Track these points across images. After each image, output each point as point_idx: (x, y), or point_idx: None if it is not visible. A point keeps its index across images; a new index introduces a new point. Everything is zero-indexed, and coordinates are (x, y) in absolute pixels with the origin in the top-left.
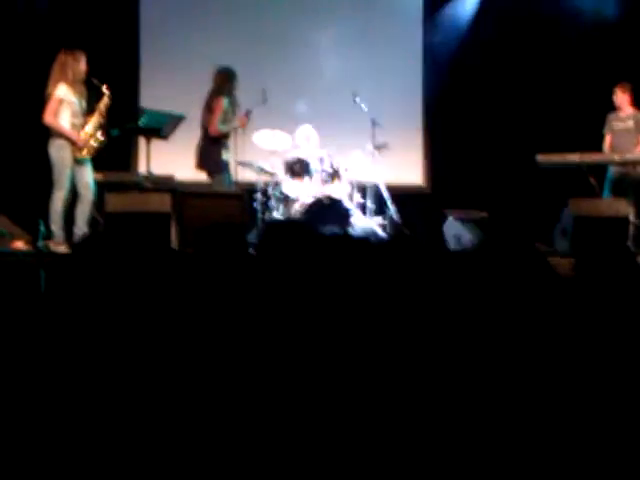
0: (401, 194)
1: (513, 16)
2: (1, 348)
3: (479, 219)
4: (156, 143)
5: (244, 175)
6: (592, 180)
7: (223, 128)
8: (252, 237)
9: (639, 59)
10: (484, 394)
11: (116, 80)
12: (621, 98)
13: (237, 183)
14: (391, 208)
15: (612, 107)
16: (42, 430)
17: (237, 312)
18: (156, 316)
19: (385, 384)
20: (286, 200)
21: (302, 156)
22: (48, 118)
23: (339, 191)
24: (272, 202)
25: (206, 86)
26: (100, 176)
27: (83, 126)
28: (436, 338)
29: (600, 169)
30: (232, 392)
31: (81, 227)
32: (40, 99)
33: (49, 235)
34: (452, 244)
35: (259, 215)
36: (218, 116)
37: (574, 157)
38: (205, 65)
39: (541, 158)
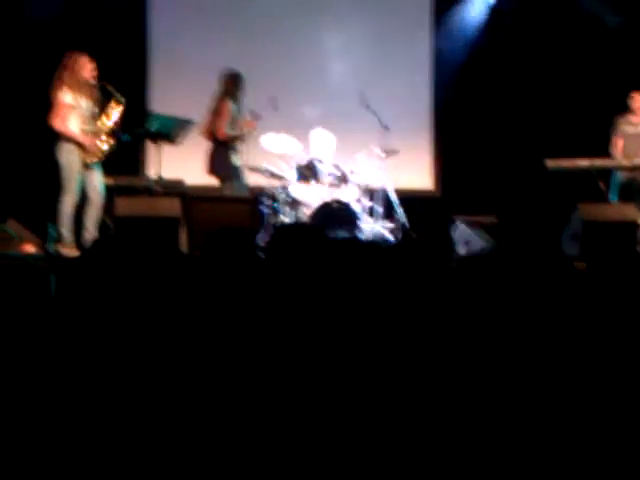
0: (410, 198)
1: (522, 20)
2: (12, 351)
3: (488, 224)
4: (166, 147)
5: (253, 179)
6: (601, 185)
7: (231, 132)
8: (261, 241)
9: None
10: (494, 396)
11: (126, 85)
12: (639, 103)
13: (247, 188)
14: (399, 212)
15: (620, 110)
16: (53, 432)
17: (246, 315)
18: (166, 320)
19: (394, 386)
20: (295, 204)
21: (314, 159)
22: (58, 125)
23: (347, 195)
24: (281, 206)
25: (215, 90)
26: (110, 180)
27: (94, 131)
28: (445, 342)
29: (607, 173)
30: (243, 394)
31: (91, 231)
32: (48, 103)
33: (59, 239)
34: (461, 249)
35: (268, 219)
36: (224, 120)
37: (583, 162)
38: (214, 69)
39: (550, 163)
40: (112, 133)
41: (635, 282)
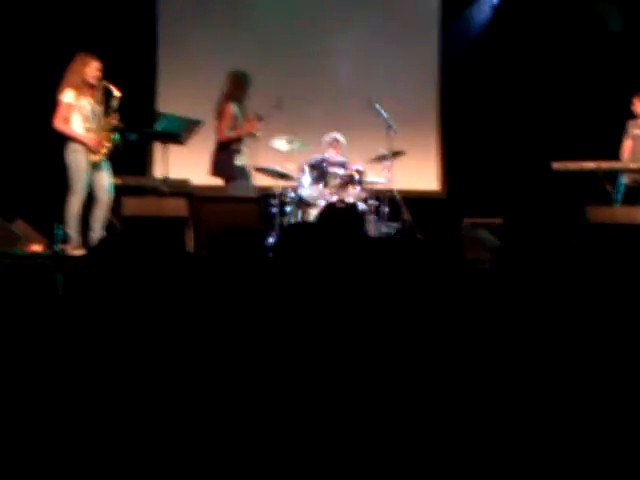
0: (416, 199)
1: (530, 23)
2: (19, 351)
3: (494, 226)
4: (173, 148)
5: (261, 180)
6: (608, 187)
7: (230, 134)
8: (269, 242)
9: None
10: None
11: (134, 85)
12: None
13: (255, 188)
14: (406, 213)
15: (627, 113)
16: (58, 431)
17: (253, 315)
18: (172, 319)
19: (402, 386)
20: (302, 204)
21: (322, 160)
22: (57, 124)
23: (354, 196)
24: (289, 207)
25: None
26: (117, 180)
27: (97, 129)
28: (450, 342)
29: (614, 175)
30: (251, 393)
31: (97, 231)
32: (55, 104)
33: (65, 239)
34: (472, 249)
35: (276, 220)
36: (226, 122)
37: (590, 164)
38: (223, 70)
39: (556, 165)
40: (115, 129)
41: None
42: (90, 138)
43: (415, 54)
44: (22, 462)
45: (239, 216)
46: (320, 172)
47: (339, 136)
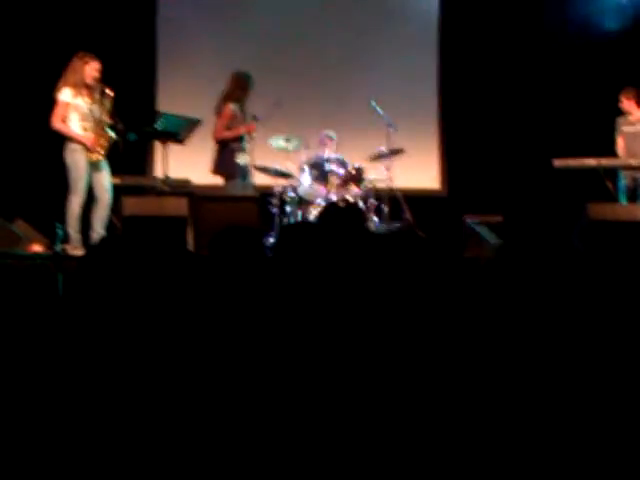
0: (417, 198)
1: (530, 22)
2: (20, 351)
3: (495, 224)
4: (173, 147)
5: (261, 179)
6: (609, 184)
7: (226, 134)
8: (269, 241)
9: None
10: (495, 396)
11: (134, 84)
12: (627, 104)
13: (254, 187)
14: (406, 211)
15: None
16: (59, 431)
17: (253, 314)
18: (173, 319)
19: (404, 383)
20: (303, 203)
21: (322, 159)
22: (55, 123)
23: (354, 194)
24: (288, 206)
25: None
26: (117, 180)
27: (94, 128)
28: (450, 340)
29: (614, 173)
30: (250, 392)
31: (98, 231)
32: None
33: (66, 239)
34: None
35: (276, 219)
36: (223, 122)
37: (591, 161)
38: (222, 70)
39: (557, 162)
40: (111, 128)
41: None
42: (88, 137)
43: (415, 52)
44: (22, 462)
45: (239, 215)
46: (320, 171)
47: (331, 132)
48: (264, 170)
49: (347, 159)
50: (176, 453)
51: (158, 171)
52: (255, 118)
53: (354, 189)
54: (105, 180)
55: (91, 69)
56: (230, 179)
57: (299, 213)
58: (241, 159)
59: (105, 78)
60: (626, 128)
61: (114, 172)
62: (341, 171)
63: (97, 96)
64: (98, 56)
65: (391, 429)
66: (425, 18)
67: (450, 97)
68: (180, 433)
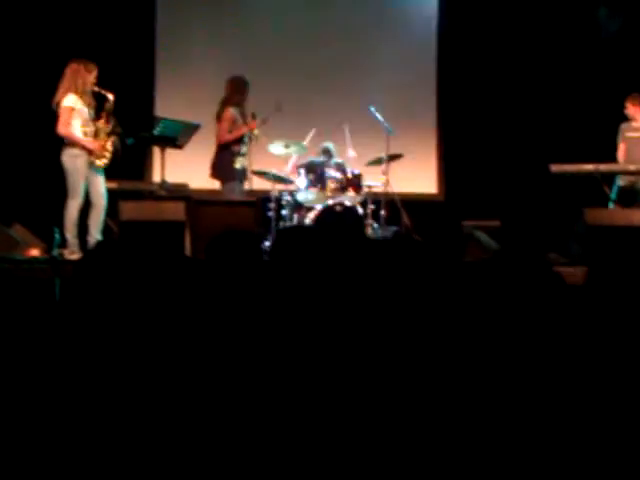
0: (415, 202)
1: (528, 26)
2: (17, 355)
3: (492, 228)
4: (170, 152)
5: (259, 184)
6: (606, 189)
7: (229, 136)
8: (266, 245)
9: None
10: (489, 399)
11: (132, 89)
12: (632, 110)
13: (252, 192)
14: (404, 216)
15: (625, 117)
16: (57, 435)
17: (250, 318)
18: (170, 323)
19: (400, 387)
20: (300, 208)
21: (320, 164)
22: (62, 129)
23: (352, 199)
24: (286, 211)
25: (221, 95)
26: (114, 184)
27: (94, 134)
28: (445, 343)
29: (612, 178)
30: (247, 395)
31: (94, 235)
32: (54, 108)
33: (64, 243)
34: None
35: (273, 224)
36: (225, 126)
37: (588, 167)
38: (220, 75)
39: (555, 167)
40: (112, 133)
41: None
42: (95, 143)
43: (414, 58)
44: (22, 463)
45: (236, 219)
46: (317, 175)
47: (330, 145)
48: (262, 175)
49: (345, 163)
50: (173, 454)
51: (156, 176)
52: (254, 116)
53: (351, 194)
54: (100, 185)
55: (93, 77)
56: (227, 182)
57: (296, 217)
58: (239, 163)
59: (104, 83)
60: (629, 134)
61: (112, 177)
62: (338, 176)
63: (92, 100)
64: (96, 61)
65: (388, 433)
66: (424, 24)
67: (448, 102)
68: (178, 437)
